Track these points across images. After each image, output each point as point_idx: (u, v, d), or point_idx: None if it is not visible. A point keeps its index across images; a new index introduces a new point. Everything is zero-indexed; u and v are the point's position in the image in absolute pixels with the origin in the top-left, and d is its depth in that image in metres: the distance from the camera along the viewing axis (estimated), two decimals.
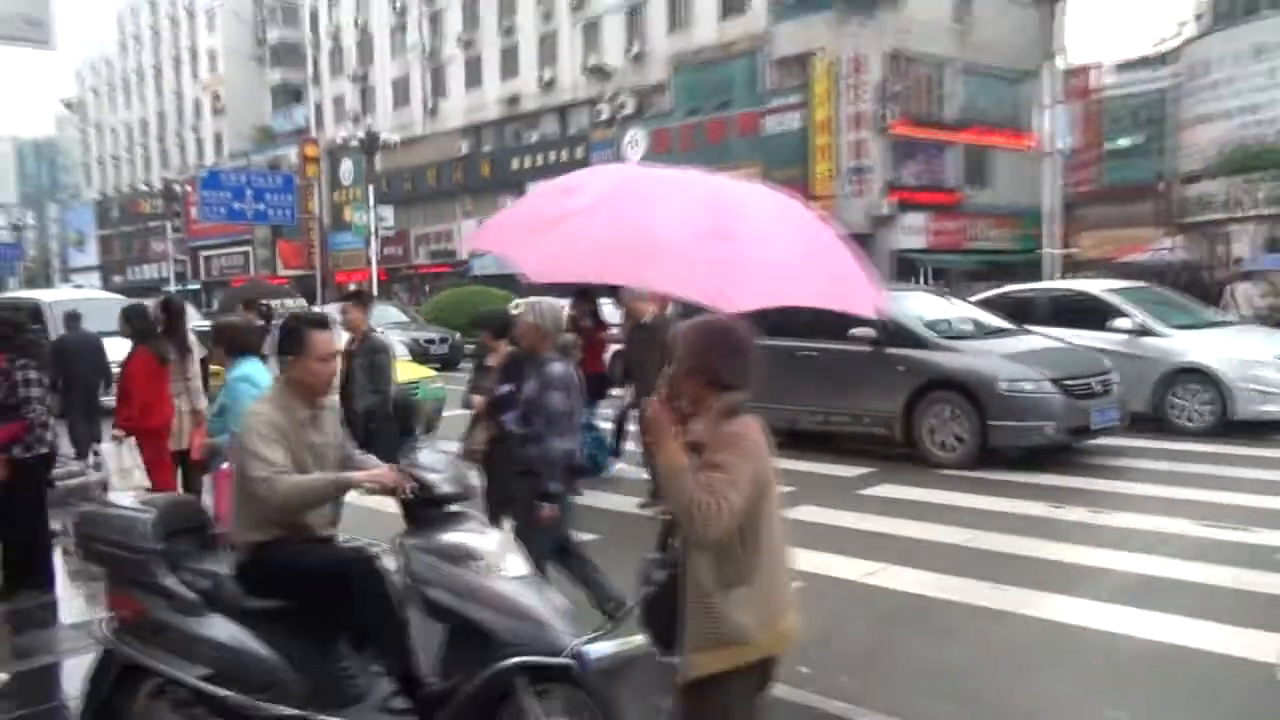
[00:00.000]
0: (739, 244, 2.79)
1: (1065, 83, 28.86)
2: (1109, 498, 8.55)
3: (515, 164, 48.03)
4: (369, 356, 7.39)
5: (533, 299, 5.33)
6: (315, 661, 3.60)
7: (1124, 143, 49.43)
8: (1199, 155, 31.71)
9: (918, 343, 10.41)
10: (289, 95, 71.00)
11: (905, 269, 37.77)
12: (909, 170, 39.66)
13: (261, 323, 8.98)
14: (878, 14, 37.94)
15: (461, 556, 3.55)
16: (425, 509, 3.66)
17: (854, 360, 10.59)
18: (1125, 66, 48.32)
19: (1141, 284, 15.12)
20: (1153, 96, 47.10)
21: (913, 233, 38.91)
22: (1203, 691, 4.65)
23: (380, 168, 45.07)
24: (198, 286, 64.17)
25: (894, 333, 10.34)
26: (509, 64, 50.31)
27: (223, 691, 3.49)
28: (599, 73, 44.48)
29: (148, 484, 7.10)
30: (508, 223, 3.39)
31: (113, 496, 4.08)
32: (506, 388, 5.93)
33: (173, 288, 48.19)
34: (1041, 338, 11.22)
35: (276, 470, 3.55)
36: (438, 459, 3.86)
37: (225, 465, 4.89)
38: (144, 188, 75.57)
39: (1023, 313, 12.34)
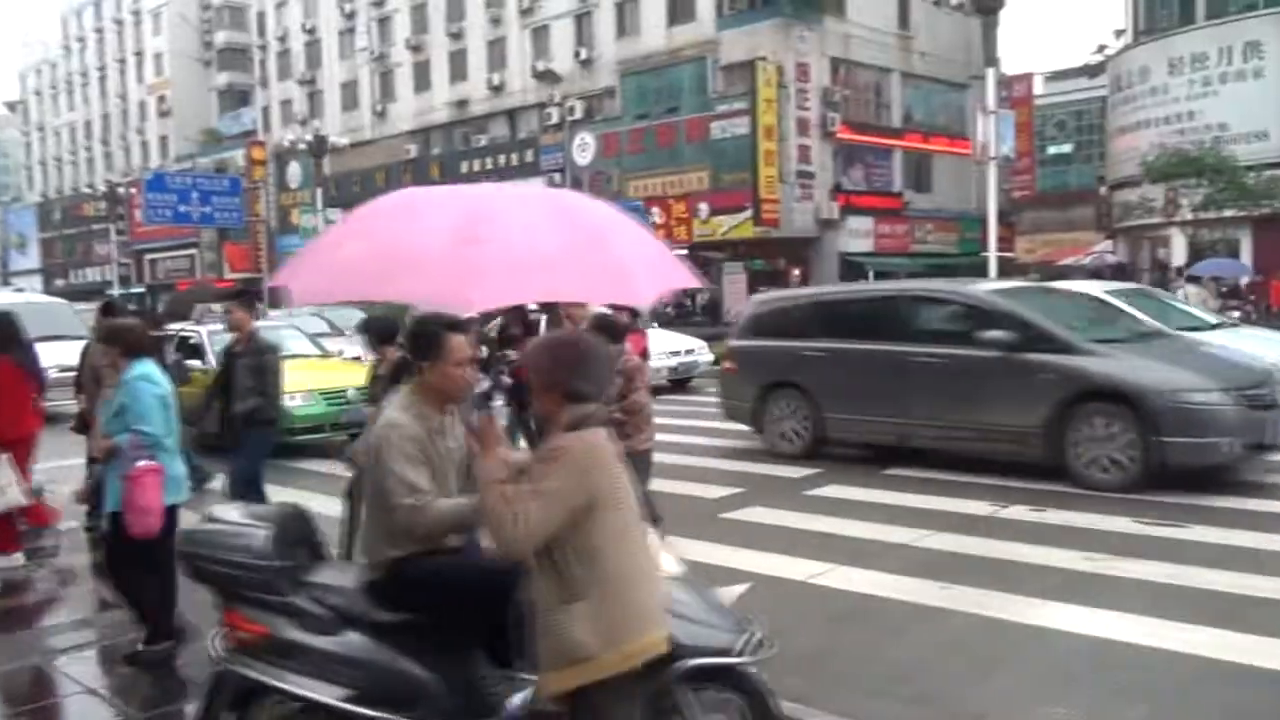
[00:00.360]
0: (486, 246, 2.91)
1: (1001, 91, 29.49)
2: (1055, 496, 8.51)
3: (464, 167, 48.01)
4: (255, 357, 7.01)
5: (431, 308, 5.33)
6: (457, 674, 3.45)
7: (1059, 150, 50.65)
8: (1130, 162, 32.53)
9: (1063, 347, 9.00)
10: (236, 98, 70.29)
11: (852, 272, 38.36)
12: (853, 175, 40.28)
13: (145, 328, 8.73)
14: (822, 22, 38.56)
15: None
16: None
17: (982, 368, 9.23)
18: (1058, 76, 49.56)
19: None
20: (1085, 105, 48.36)
21: (859, 236, 39.50)
22: (1145, 687, 4.69)
23: (329, 171, 44.84)
24: (142, 290, 63.26)
25: (1033, 336, 9.09)
26: (458, 68, 50.31)
27: (370, 712, 3.32)
28: (548, 77, 44.61)
29: (23, 501, 6.95)
30: (301, 257, 3.75)
31: (218, 511, 3.85)
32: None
33: (116, 291, 47.59)
34: (1192, 341, 10.44)
35: (422, 496, 3.38)
36: None
37: (142, 463, 4.83)
38: (88, 190, 74.24)
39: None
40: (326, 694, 3.34)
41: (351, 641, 3.38)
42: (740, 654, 3.32)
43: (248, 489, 6.81)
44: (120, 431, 4.95)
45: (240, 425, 6.91)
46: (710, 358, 18.54)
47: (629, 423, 6.61)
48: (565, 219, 3.17)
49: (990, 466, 9.35)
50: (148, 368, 5.07)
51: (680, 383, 17.41)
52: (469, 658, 3.54)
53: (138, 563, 5.05)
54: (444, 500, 3.46)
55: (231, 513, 3.86)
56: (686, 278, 3.58)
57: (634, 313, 9.84)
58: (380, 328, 6.30)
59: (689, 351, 17.72)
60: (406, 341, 3.73)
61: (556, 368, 2.86)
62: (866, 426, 10.33)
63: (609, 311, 8.63)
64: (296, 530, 3.71)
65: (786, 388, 10.81)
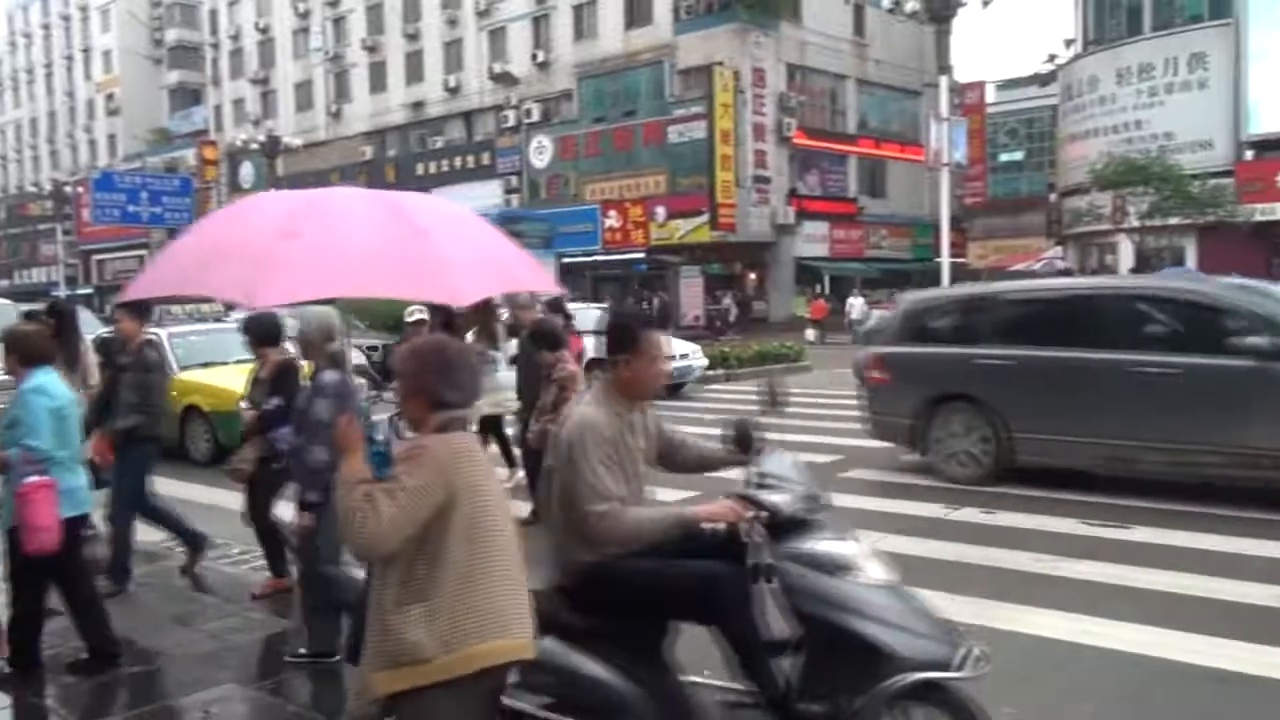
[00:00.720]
0: (297, 241, 2.90)
1: (954, 99, 29.94)
2: (1003, 498, 8.61)
3: (420, 169, 47.78)
4: (141, 373, 6.44)
5: (302, 308, 4.99)
6: (657, 683, 3.30)
7: (1010, 157, 51.42)
8: (1080, 170, 33.09)
9: None
10: (187, 96, 69.33)
11: (808, 276, 38.69)
12: (809, 180, 40.63)
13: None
14: (778, 28, 38.87)
15: (834, 566, 3.26)
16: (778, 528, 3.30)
17: (1236, 380, 7.84)
18: (1010, 84, 50.36)
19: None
20: (1036, 113, 49.15)
21: (814, 241, 39.86)
22: (1092, 686, 4.73)
23: (282, 171, 44.41)
24: (90, 291, 62.11)
25: None
26: (414, 69, 50.05)
27: None
28: (505, 79, 44.52)
29: None
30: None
31: None
32: (275, 402, 5.75)
33: (62, 292, 46.69)
34: None
35: (614, 504, 3.25)
36: (783, 467, 3.50)
37: (32, 479, 4.64)
38: (33, 189, 72.83)
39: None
40: (524, 701, 3.22)
41: (546, 647, 3.17)
42: (960, 669, 3.10)
43: (133, 509, 6.46)
44: (11, 444, 4.75)
45: (119, 442, 6.34)
46: (705, 362, 18.30)
47: None
48: (396, 217, 3.14)
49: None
50: (45, 378, 4.81)
51: (672, 389, 16.70)
52: (660, 661, 3.39)
53: (44, 578, 4.91)
54: (643, 510, 3.33)
55: None
56: (536, 281, 3.62)
57: (567, 315, 9.71)
58: (260, 330, 6.00)
59: (683, 356, 16.97)
60: (608, 337, 3.53)
61: (423, 373, 2.86)
62: (1072, 449, 8.74)
63: (547, 317, 8.58)
64: None
65: (958, 401, 9.28)
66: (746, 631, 3.13)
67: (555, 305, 9.42)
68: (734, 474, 3.72)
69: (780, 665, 3.22)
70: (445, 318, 9.45)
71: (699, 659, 3.58)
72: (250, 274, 2.85)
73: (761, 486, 3.37)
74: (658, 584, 3.27)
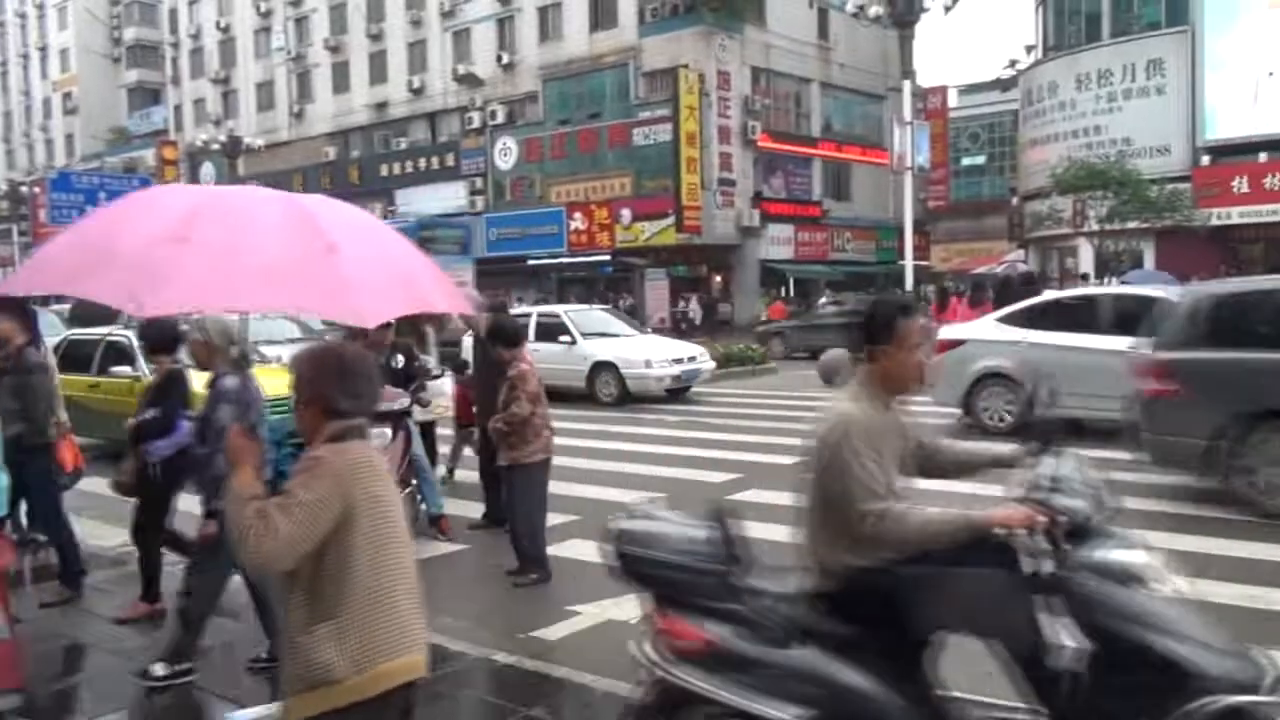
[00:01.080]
0: (187, 247, 2.75)
1: (917, 103, 30.20)
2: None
3: (384, 170, 47.47)
4: (20, 376, 5.98)
5: (201, 315, 4.87)
6: (919, 694, 3.12)
7: (972, 161, 51.98)
8: (1040, 174, 33.48)
9: None
10: (146, 96, 68.47)
11: (773, 278, 38.85)
12: (774, 183, 40.81)
13: None
14: (743, 31, 39.02)
15: (1125, 576, 3.02)
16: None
17: None
18: (972, 89, 50.91)
19: None
20: (998, 118, 49.71)
21: (779, 244, 40.03)
22: None
23: (243, 172, 43.90)
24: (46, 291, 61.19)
25: None
26: (377, 69, 49.69)
27: None
28: (469, 80, 44.34)
29: None
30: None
31: (648, 508, 3.51)
32: (151, 413, 5.60)
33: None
34: None
35: (891, 502, 3.06)
36: (1070, 470, 3.23)
37: None
38: None
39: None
40: (783, 712, 3.00)
41: (808, 657, 3.02)
42: (1272, 692, 2.82)
43: (50, 524, 6.24)
44: None
45: (10, 454, 5.86)
46: (712, 365, 17.84)
47: (513, 434, 6.52)
48: (304, 228, 2.96)
49: None
50: None
51: (676, 392, 16.50)
52: (929, 679, 3.18)
53: None
54: (929, 510, 3.08)
55: (664, 510, 3.54)
56: (448, 303, 3.41)
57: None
58: (154, 336, 5.79)
59: (691, 359, 16.87)
60: (859, 326, 3.33)
61: (317, 380, 2.77)
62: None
63: (505, 316, 8.45)
64: (724, 531, 3.34)
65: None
66: (1029, 646, 2.89)
67: (495, 307, 9.29)
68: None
69: (1063, 683, 2.93)
70: (363, 330, 9.28)
71: (962, 673, 3.40)
72: (135, 280, 2.68)
73: (1054, 490, 3.11)
74: (936, 592, 3.05)
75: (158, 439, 5.48)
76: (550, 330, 16.72)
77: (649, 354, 16.33)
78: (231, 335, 4.84)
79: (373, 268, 3.00)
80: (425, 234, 30.57)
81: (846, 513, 3.07)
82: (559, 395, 15.85)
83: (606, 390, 16.17)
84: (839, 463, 3.09)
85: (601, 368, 16.28)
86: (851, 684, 3.01)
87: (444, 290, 3.33)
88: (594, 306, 21.48)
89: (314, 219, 3.00)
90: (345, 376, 2.77)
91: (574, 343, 16.47)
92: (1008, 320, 12.06)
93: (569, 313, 17.78)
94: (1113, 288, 13.57)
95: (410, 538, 2.86)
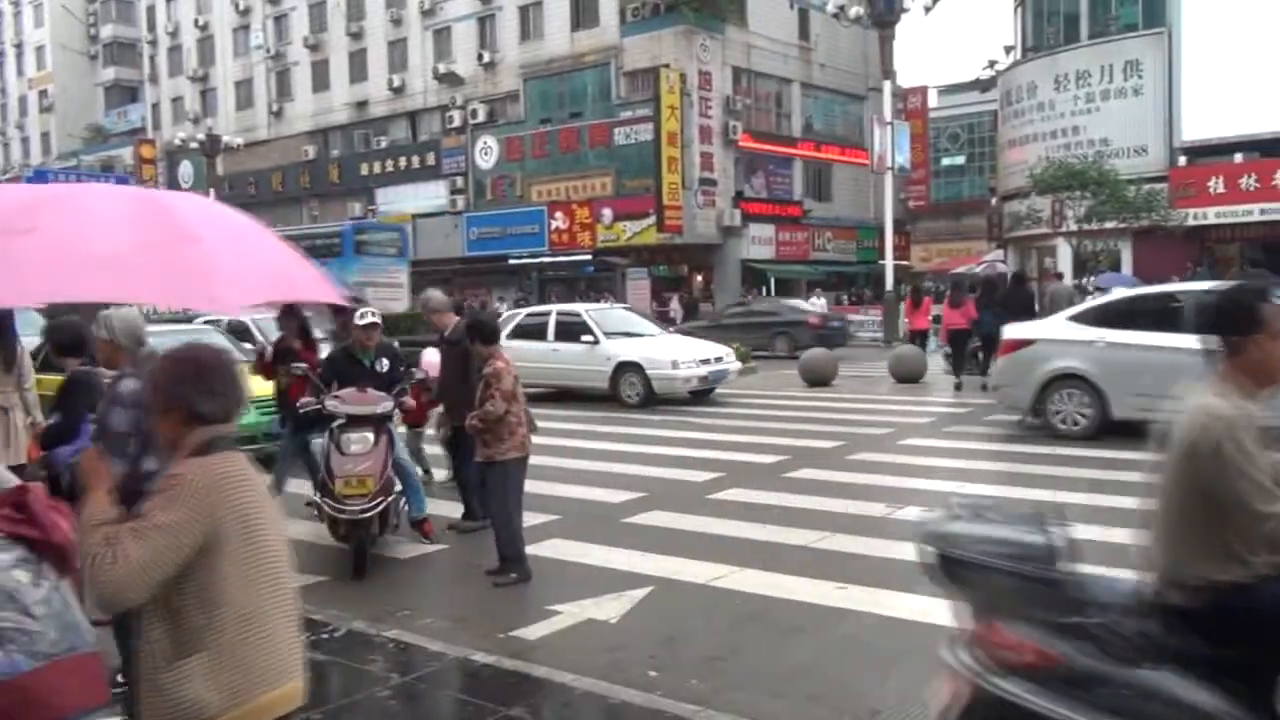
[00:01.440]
0: (32, 238, 2.65)
1: (897, 103, 30.32)
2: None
3: (365, 169, 47.31)
4: None
5: (107, 311, 4.61)
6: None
7: (952, 161, 52.23)
8: (1019, 174, 33.64)
9: None
10: (124, 94, 67.95)
11: (753, 278, 38.90)
12: (755, 183, 40.87)
13: None
14: (724, 31, 39.07)
15: None
16: None
17: None
18: (951, 90, 51.15)
19: None
20: (977, 119, 49.98)
21: (760, 243, 40.10)
22: None
23: (222, 171, 43.67)
24: None
25: None
26: (357, 68, 49.46)
27: None
28: (450, 79, 44.21)
29: None
30: None
31: (971, 506, 3.17)
32: (54, 418, 5.30)
33: None
34: None
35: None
36: None
37: None
38: None
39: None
40: None
41: (1166, 678, 2.75)
42: None
43: None
44: None
45: None
46: (738, 365, 17.27)
47: (488, 431, 6.50)
48: (159, 219, 2.91)
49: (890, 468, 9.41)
50: None
51: (700, 394, 15.93)
52: (1269, 696, 2.88)
53: None
54: None
55: (987, 509, 3.18)
56: (316, 290, 3.30)
57: (308, 333, 9.03)
58: (62, 337, 5.47)
59: (718, 359, 16.13)
60: (1218, 314, 3.04)
61: (174, 384, 2.55)
62: None
63: (483, 313, 8.32)
64: (1053, 536, 3.00)
65: None
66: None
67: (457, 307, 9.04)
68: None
69: None
70: (301, 326, 8.92)
71: None
72: None
73: None
74: None
75: (63, 445, 5.14)
76: (571, 330, 16.25)
77: (675, 354, 15.75)
78: (139, 335, 4.61)
79: (237, 258, 2.93)
80: (360, 238, 29.61)
81: (1237, 518, 2.80)
82: (579, 397, 15.85)
83: (633, 391, 15.56)
84: (1223, 465, 2.79)
85: (626, 368, 15.68)
86: (1214, 712, 2.73)
87: (311, 278, 3.26)
88: (615, 305, 21.22)
89: (170, 211, 2.94)
90: (202, 375, 2.56)
91: (596, 342, 15.93)
92: (1079, 319, 11.76)
93: (590, 312, 17.23)
94: (1180, 285, 12.87)
95: (289, 552, 2.64)
